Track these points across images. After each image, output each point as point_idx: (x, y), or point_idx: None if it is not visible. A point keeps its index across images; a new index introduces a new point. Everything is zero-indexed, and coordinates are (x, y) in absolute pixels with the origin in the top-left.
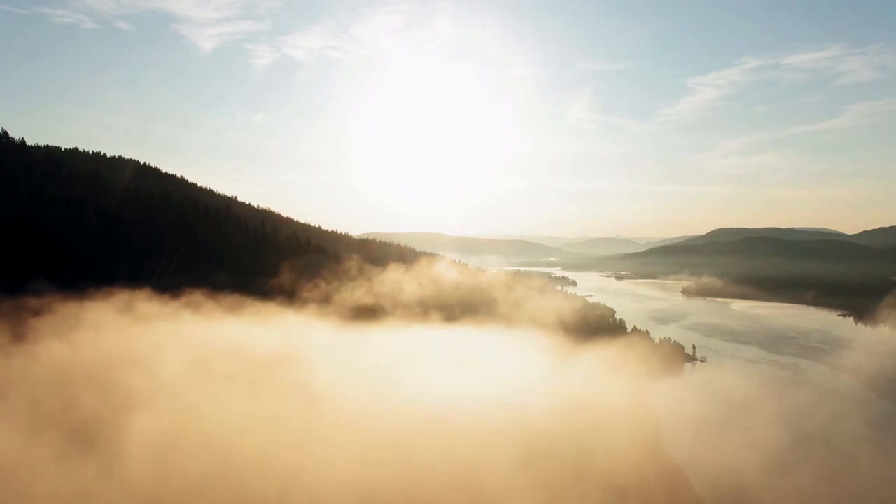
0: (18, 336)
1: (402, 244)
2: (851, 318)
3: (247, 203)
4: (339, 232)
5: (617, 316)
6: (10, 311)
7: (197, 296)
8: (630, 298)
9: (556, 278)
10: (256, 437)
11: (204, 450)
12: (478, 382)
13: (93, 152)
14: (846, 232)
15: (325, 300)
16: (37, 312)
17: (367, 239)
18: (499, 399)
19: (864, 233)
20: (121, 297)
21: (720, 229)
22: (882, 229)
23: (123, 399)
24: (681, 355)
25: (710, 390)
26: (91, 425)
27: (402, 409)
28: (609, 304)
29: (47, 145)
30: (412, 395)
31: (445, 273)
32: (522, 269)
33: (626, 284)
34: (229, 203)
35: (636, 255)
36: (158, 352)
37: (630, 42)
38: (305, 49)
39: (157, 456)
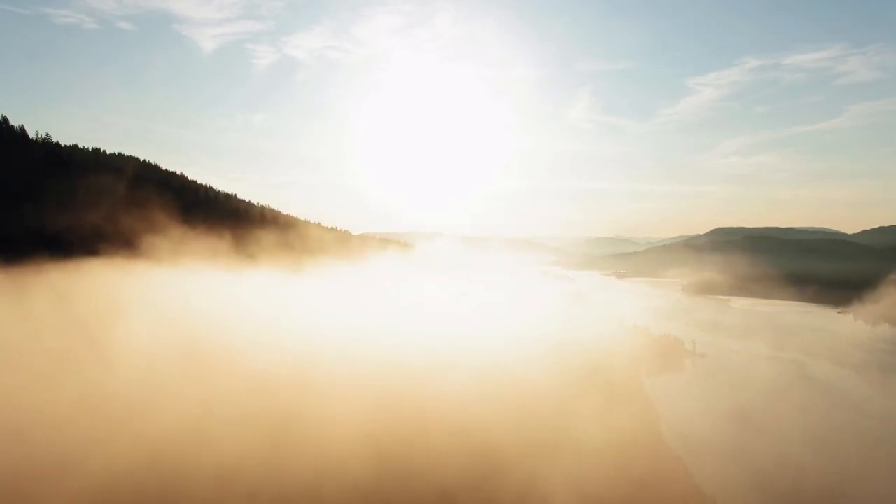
0: (20, 290)
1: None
2: (851, 316)
3: (246, 200)
4: (339, 229)
5: (617, 312)
6: (10, 275)
7: (193, 262)
8: (630, 296)
9: (557, 276)
10: (255, 374)
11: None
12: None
13: (93, 149)
14: (846, 231)
15: (326, 272)
16: (36, 273)
17: (368, 235)
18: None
19: (864, 232)
20: (118, 263)
21: (720, 228)
22: (881, 228)
23: (119, 325)
24: (681, 351)
25: (710, 385)
26: (87, 343)
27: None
28: (609, 300)
29: (47, 134)
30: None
31: (445, 251)
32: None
33: (627, 283)
34: (228, 198)
35: (636, 253)
36: (155, 293)
37: (630, 42)
38: (306, 49)
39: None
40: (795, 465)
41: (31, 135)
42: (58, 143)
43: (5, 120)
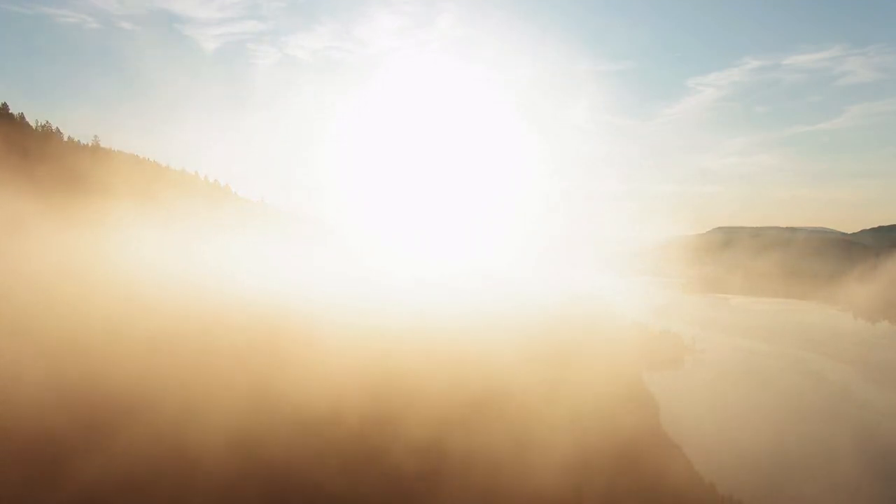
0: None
1: None
2: (850, 313)
3: (245, 198)
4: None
5: (618, 309)
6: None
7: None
8: (630, 293)
9: (556, 274)
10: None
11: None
12: None
13: (92, 144)
14: (845, 231)
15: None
16: None
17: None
18: None
19: (863, 231)
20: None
21: (720, 228)
22: (881, 228)
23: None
24: (680, 346)
25: (709, 379)
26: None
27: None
28: (611, 299)
29: (47, 122)
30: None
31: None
32: None
33: (627, 281)
34: (226, 191)
35: (636, 252)
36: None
37: (630, 42)
38: (308, 49)
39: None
40: (792, 456)
41: (31, 123)
42: (58, 130)
43: (5, 107)
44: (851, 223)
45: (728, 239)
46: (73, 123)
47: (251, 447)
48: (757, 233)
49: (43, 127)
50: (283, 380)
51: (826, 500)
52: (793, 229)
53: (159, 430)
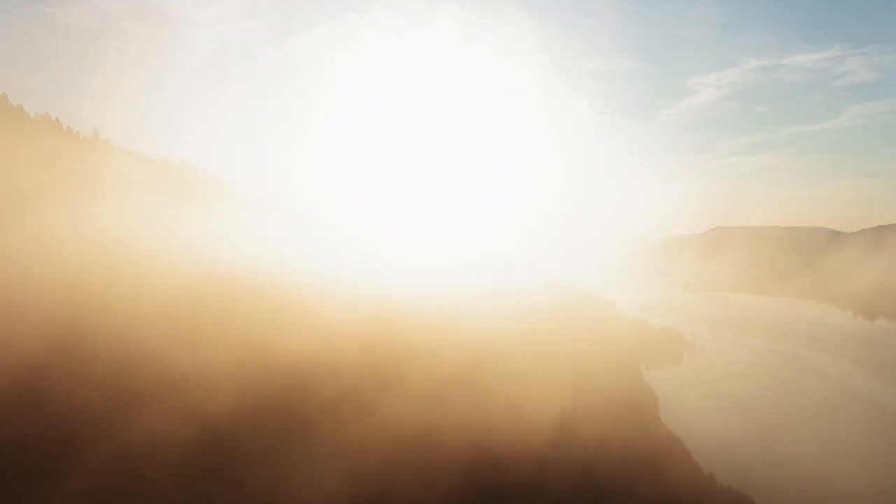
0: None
1: None
2: (850, 312)
3: (246, 194)
4: None
5: (618, 307)
6: None
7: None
8: (631, 292)
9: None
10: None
11: None
12: None
13: (91, 136)
14: (845, 230)
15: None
16: None
17: None
18: None
19: (863, 231)
20: None
21: (720, 227)
22: (880, 227)
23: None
24: (680, 344)
25: (708, 375)
26: None
27: None
28: (611, 296)
29: (45, 113)
30: None
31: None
32: None
33: (628, 280)
34: (228, 187)
35: (637, 252)
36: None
37: (630, 42)
38: (308, 49)
39: None
40: (789, 449)
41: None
42: (57, 119)
43: (4, 97)
44: (851, 223)
45: (728, 238)
46: (73, 122)
47: (246, 395)
48: (757, 232)
49: (42, 117)
50: (281, 341)
51: (823, 494)
52: (793, 229)
53: (155, 380)
